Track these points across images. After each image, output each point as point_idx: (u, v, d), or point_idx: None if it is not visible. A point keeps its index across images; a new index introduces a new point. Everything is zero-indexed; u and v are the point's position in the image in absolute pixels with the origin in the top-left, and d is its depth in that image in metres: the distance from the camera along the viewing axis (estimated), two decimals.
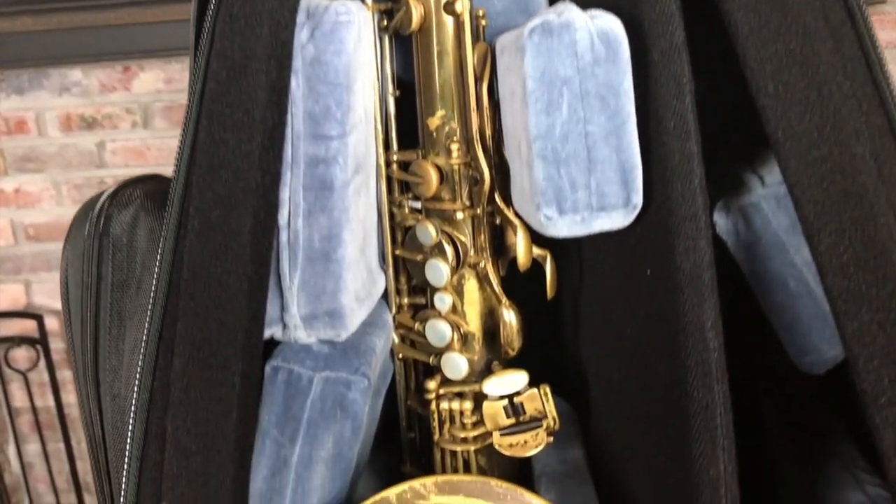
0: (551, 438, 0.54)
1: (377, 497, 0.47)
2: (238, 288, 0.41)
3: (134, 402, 0.42)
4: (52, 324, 1.95)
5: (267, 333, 0.47)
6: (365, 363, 0.48)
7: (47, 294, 1.96)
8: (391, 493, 0.47)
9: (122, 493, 0.41)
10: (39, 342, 1.93)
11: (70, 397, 1.96)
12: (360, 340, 0.50)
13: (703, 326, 0.41)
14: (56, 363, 1.94)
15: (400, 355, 0.57)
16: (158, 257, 0.42)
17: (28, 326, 1.95)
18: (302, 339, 0.47)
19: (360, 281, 0.49)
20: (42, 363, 1.93)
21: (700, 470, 0.41)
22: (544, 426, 0.53)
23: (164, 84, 1.75)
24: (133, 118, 1.77)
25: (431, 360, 0.54)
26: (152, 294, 0.42)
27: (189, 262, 0.41)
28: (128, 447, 0.42)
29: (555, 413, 0.53)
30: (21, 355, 1.96)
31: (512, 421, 0.53)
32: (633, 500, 0.49)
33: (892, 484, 0.40)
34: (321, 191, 0.45)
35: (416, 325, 0.55)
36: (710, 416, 0.41)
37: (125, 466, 0.42)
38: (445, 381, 0.55)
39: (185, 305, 0.41)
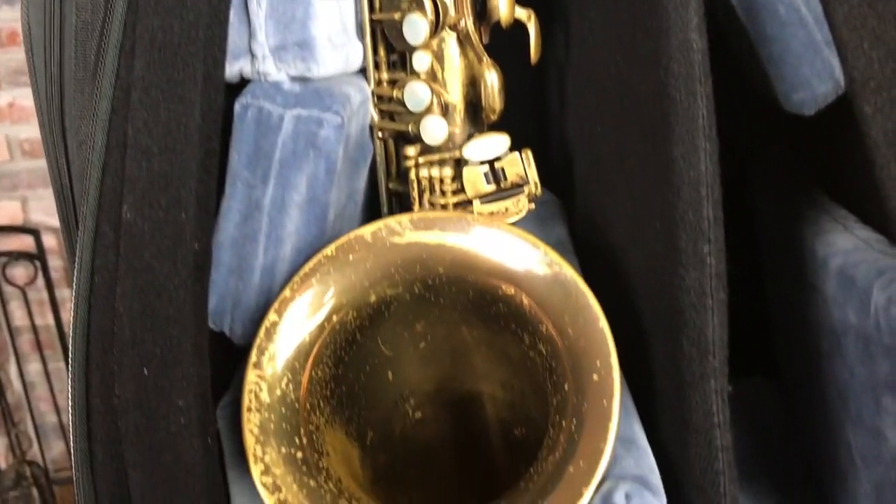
0: (532, 205, 0.52)
1: (351, 235, 0.46)
2: None
3: (94, 112, 0.41)
4: (49, 241, 1.94)
5: (235, 68, 0.46)
6: (338, 103, 0.46)
7: (44, 211, 1.95)
8: (366, 230, 0.46)
9: (85, 201, 0.40)
10: (37, 257, 1.92)
11: (70, 316, 1.96)
12: (334, 86, 0.48)
13: (686, 27, 0.40)
14: (55, 281, 1.94)
15: (379, 134, 0.55)
16: None
17: (26, 242, 1.94)
18: (272, 75, 0.46)
19: (333, 25, 0.47)
20: (41, 281, 1.93)
21: (681, 172, 0.39)
22: (526, 192, 0.52)
23: None
24: None
25: (410, 127, 0.53)
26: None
27: None
28: (88, 158, 0.40)
29: (536, 178, 0.52)
30: (19, 272, 1.95)
31: (492, 188, 0.52)
32: (616, 249, 0.48)
33: (881, 178, 0.38)
34: None
35: (395, 93, 0.53)
36: (692, 118, 0.39)
37: (86, 177, 0.40)
38: (426, 150, 0.53)
39: (144, 5, 0.39)
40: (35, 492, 2.03)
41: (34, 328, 1.98)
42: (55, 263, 1.93)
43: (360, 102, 0.51)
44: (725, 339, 0.38)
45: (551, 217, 0.57)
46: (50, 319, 1.97)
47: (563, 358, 0.42)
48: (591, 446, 0.39)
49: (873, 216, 0.45)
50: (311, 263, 0.45)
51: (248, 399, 0.43)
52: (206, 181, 0.40)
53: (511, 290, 0.44)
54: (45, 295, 1.93)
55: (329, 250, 0.45)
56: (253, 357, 0.44)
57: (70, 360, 0.40)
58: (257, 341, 0.44)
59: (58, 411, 2.05)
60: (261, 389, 0.43)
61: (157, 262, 0.39)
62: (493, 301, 0.46)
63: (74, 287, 0.40)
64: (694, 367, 0.38)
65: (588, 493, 0.38)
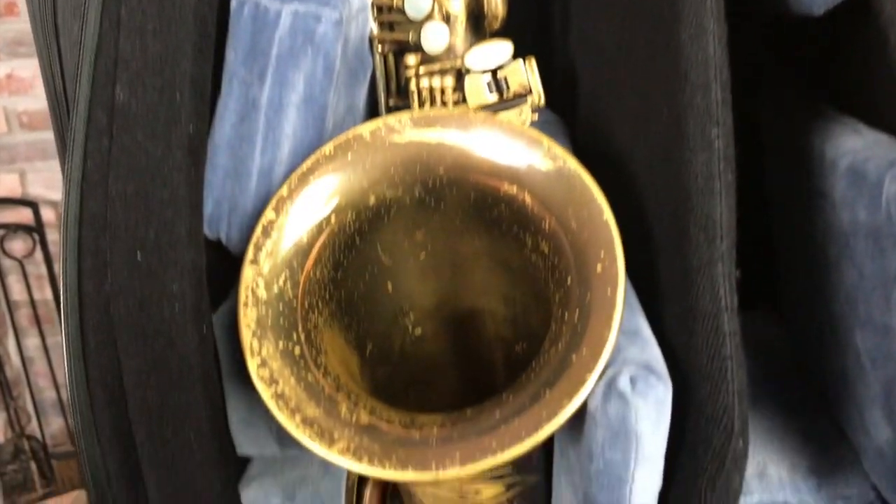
0: (535, 116, 0.51)
1: (349, 133, 0.45)
2: None
3: None
4: (48, 214, 1.93)
5: None
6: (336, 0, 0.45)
7: (43, 184, 1.93)
8: (364, 128, 0.45)
9: (76, 85, 0.39)
10: (36, 230, 1.91)
11: None
12: None
13: None
14: (53, 255, 1.93)
15: (379, 48, 0.54)
16: None
17: (24, 215, 1.93)
18: None
19: None
20: (39, 255, 1.92)
21: (688, 55, 0.38)
22: (529, 102, 0.51)
23: None
24: None
25: (411, 36, 0.52)
26: None
27: None
28: (81, 41, 0.39)
29: (540, 88, 0.51)
30: (17, 245, 1.94)
31: (495, 98, 0.51)
32: (620, 150, 0.47)
33: (894, 58, 0.37)
34: None
35: (395, 1, 0.52)
36: (702, 11, 0.38)
37: (79, 62, 0.39)
38: (426, 60, 0.52)
39: None
40: (33, 465, 2.03)
41: (32, 302, 1.97)
42: (53, 237, 1.92)
43: (360, 7, 0.50)
44: (734, 223, 0.38)
45: (554, 135, 0.56)
46: (48, 294, 1.96)
47: (567, 252, 0.41)
48: (596, 335, 0.38)
49: (883, 115, 0.44)
50: (308, 162, 0.44)
51: (244, 295, 0.42)
52: (200, 64, 0.39)
53: (513, 189, 0.43)
54: (43, 269, 1.92)
55: (327, 149, 0.44)
56: (250, 255, 0.43)
57: (61, 247, 0.39)
58: (254, 239, 0.43)
59: (56, 386, 2.04)
60: (258, 286, 0.42)
61: (151, 143, 0.38)
62: (495, 202, 0.45)
63: (66, 173, 0.39)
64: (701, 252, 0.37)
65: (592, 379, 0.37)
